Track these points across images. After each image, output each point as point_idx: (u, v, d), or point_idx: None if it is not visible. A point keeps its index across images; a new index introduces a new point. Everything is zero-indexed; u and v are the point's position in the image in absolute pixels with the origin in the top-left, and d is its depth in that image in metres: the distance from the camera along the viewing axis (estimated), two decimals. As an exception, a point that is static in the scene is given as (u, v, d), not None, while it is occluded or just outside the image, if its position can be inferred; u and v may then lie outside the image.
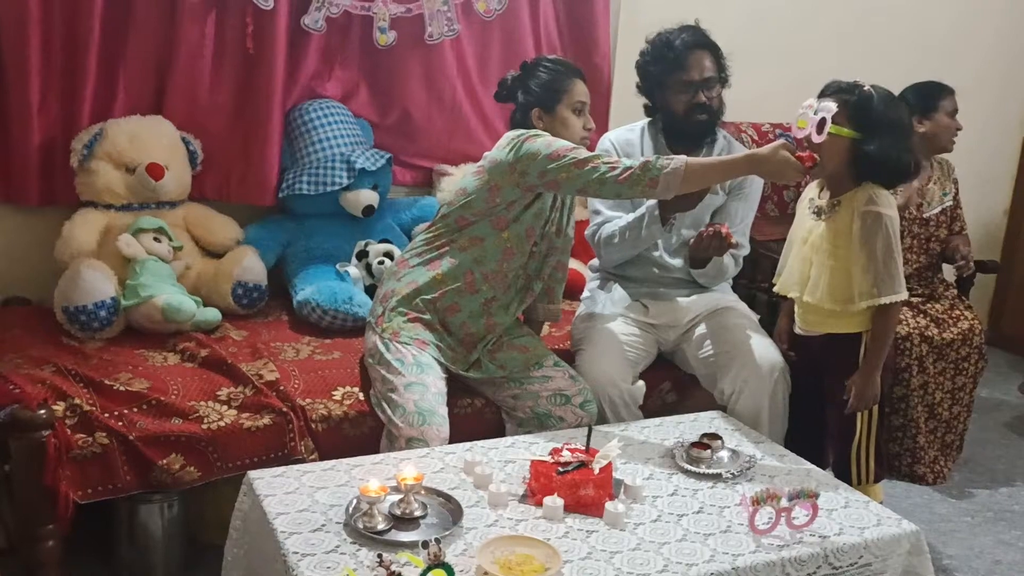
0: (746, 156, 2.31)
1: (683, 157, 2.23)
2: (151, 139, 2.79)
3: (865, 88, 2.27)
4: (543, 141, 2.31)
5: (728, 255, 2.66)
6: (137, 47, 2.84)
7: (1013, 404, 4.00)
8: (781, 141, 2.25)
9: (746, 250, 2.76)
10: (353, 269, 2.92)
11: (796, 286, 2.42)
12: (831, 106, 2.20)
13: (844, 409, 2.39)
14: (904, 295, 2.31)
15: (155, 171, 2.74)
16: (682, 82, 2.61)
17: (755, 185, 2.74)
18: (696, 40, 2.61)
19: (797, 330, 2.50)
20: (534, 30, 3.35)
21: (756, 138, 3.61)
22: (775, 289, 2.54)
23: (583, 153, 2.28)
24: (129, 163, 2.75)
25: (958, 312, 3.22)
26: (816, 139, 2.22)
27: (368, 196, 3.02)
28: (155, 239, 2.73)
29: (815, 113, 2.22)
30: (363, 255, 2.97)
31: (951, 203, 3.29)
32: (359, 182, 2.99)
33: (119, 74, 2.85)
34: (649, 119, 2.77)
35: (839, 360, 2.40)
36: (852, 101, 2.25)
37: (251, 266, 2.82)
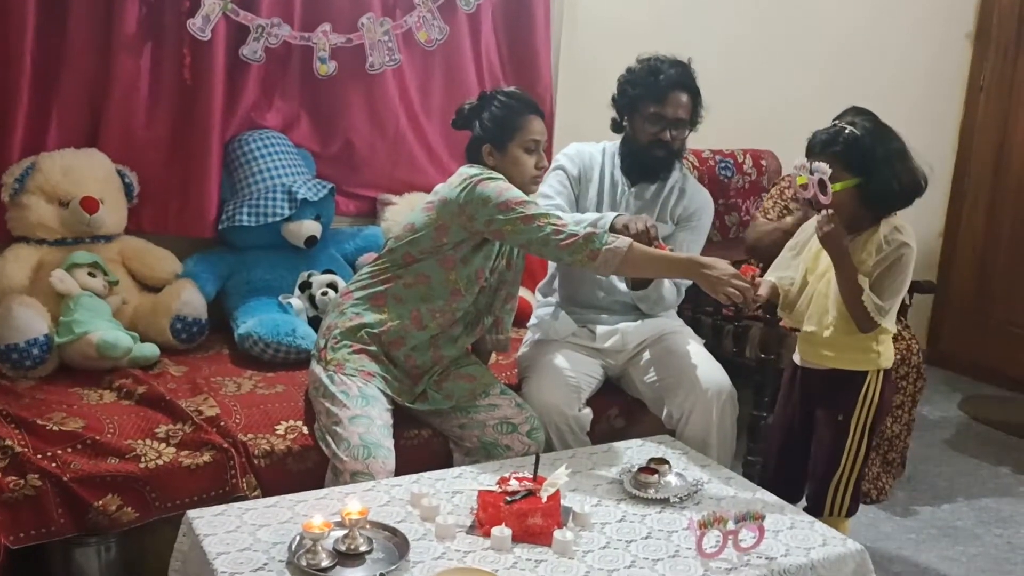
0: (689, 259, 2.32)
1: (628, 240, 2.24)
2: (85, 172, 2.73)
3: (847, 131, 2.21)
4: (495, 188, 2.28)
5: (670, 282, 2.68)
6: (71, 79, 2.80)
7: (953, 421, 4.09)
8: (728, 263, 2.25)
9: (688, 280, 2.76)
10: (296, 301, 2.89)
11: (813, 320, 2.35)
12: (824, 167, 2.17)
13: (831, 439, 2.37)
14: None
15: (90, 205, 2.69)
16: (654, 114, 2.62)
17: (704, 219, 2.76)
18: (681, 79, 2.61)
19: (801, 362, 2.43)
20: (476, 60, 3.37)
21: (697, 164, 3.65)
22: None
23: (532, 209, 2.26)
24: (63, 197, 2.69)
25: (896, 333, 3.27)
26: (824, 201, 2.19)
27: (310, 227, 2.99)
28: (90, 274, 2.66)
29: (811, 174, 2.19)
30: (306, 286, 2.93)
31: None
32: (301, 213, 2.96)
33: (52, 106, 2.79)
34: (614, 141, 2.78)
35: (839, 394, 2.36)
36: (840, 151, 2.20)
37: (190, 300, 2.77)
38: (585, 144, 2.80)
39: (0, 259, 2.66)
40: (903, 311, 3.53)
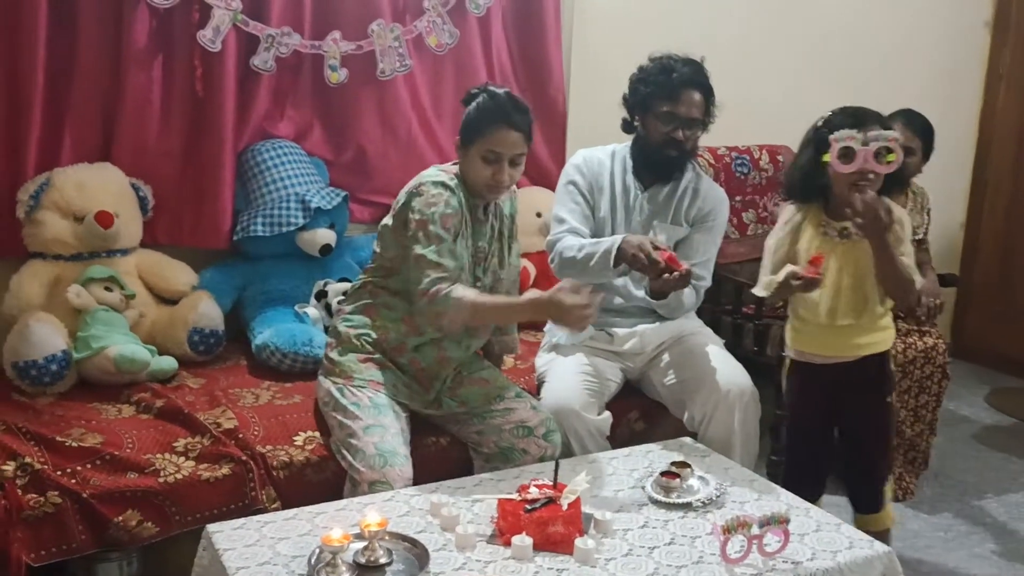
0: (530, 300, 2.24)
1: (473, 295, 2.21)
2: (99, 187, 2.74)
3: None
4: (421, 204, 2.25)
5: (689, 287, 2.63)
6: (83, 94, 2.80)
7: (980, 416, 4.03)
8: (559, 285, 2.21)
9: (707, 282, 2.72)
10: (312, 310, 2.88)
11: (848, 315, 2.32)
12: (895, 134, 2.22)
13: (884, 422, 2.40)
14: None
15: (104, 219, 2.69)
16: (667, 113, 2.58)
17: (720, 218, 2.72)
18: (695, 78, 2.58)
19: (823, 359, 2.39)
20: (487, 63, 3.36)
21: (712, 161, 3.62)
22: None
23: (430, 254, 2.21)
24: (77, 212, 2.70)
25: (923, 329, 3.23)
26: (883, 169, 2.21)
27: (325, 235, 2.99)
28: (106, 288, 2.67)
29: (865, 144, 2.19)
30: (322, 295, 2.93)
31: (921, 235, 3.31)
32: (315, 221, 2.96)
33: (65, 122, 2.80)
34: (623, 143, 2.74)
35: (880, 376, 2.38)
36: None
37: (207, 312, 2.77)
38: (594, 149, 2.75)
39: (17, 276, 2.67)
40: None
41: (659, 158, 2.64)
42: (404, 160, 3.27)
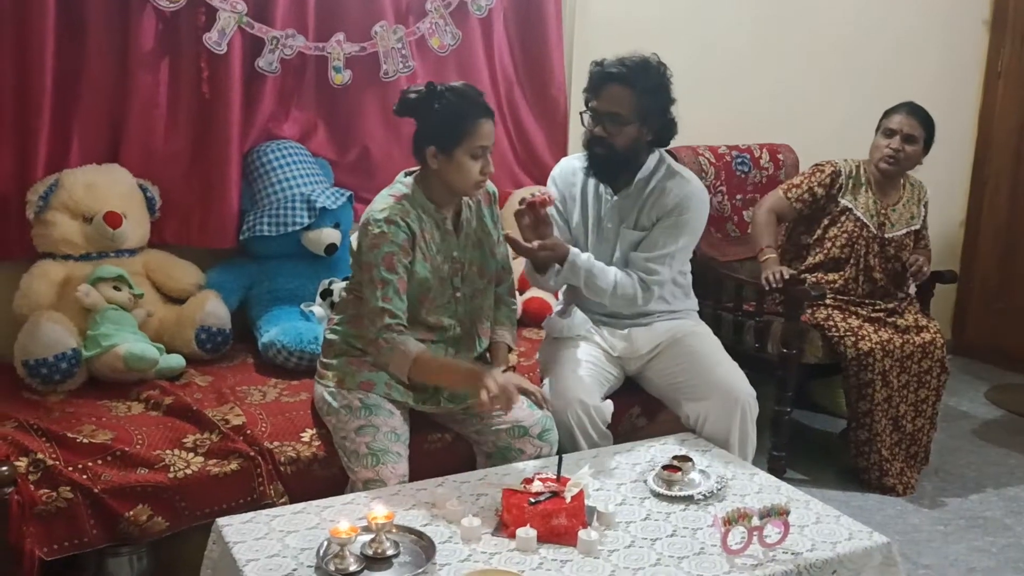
0: (468, 371, 2.27)
1: (416, 350, 2.22)
2: (108, 187, 2.77)
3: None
4: (365, 247, 2.26)
5: (623, 274, 2.54)
6: (91, 96, 2.83)
7: (980, 411, 4.06)
8: (502, 369, 2.35)
9: (660, 277, 2.55)
10: (318, 308, 2.91)
11: None
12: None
13: None
14: None
15: (113, 219, 2.72)
16: (591, 109, 2.52)
17: (687, 213, 2.55)
18: (618, 73, 2.46)
19: None
20: (489, 64, 3.39)
21: (713, 160, 3.65)
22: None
23: (376, 302, 2.22)
24: (86, 212, 2.73)
25: (921, 324, 3.26)
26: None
27: (330, 235, 3.02)
28: (115, 288, 2.70)
29: None
30: (327, 294, 2.95)
31: (918, 226, 3.35)
32: (321, 221, 2.99)
33: (73, 124, 2.83)
34: None
35: None
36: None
37: (214, 310, 2.80)
38: (572, 157, 2.73)
39: (27, 275, 2.70)
40: (925, 302, 3.52)
41: (590, 157, 2.58)
42: (408, 161, 3.26)
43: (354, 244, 2.47)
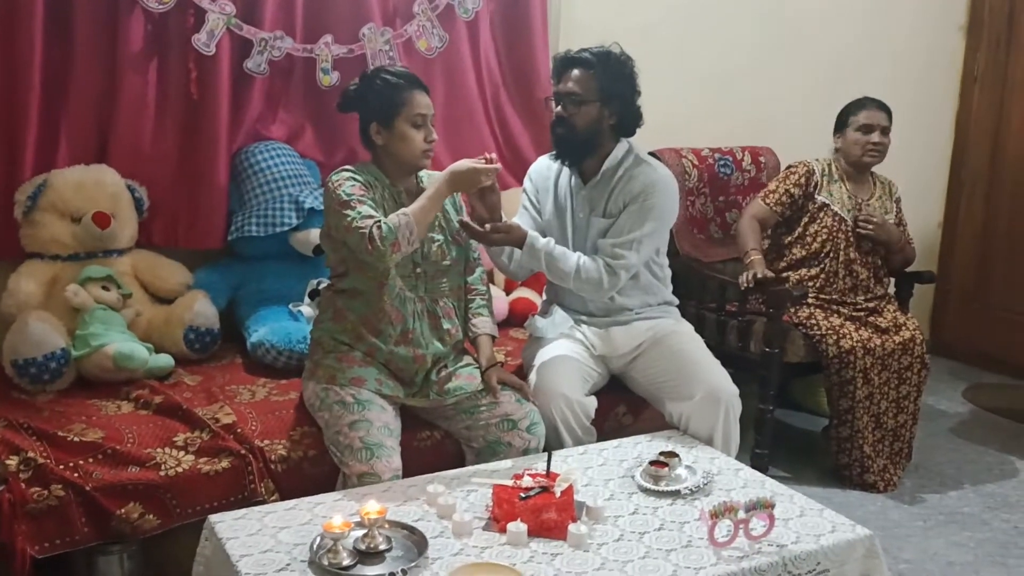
0: (442, 179, 2.33)
1: (408, 210, 2.27)
2: (96, 188, 2.77)
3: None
4: (329, 195, 2.31)
5: (588, 258, 2.56)
6: (79, 97, 2.84)
7: (958, 410, 4.12)
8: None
9: (627, 262, 2.55)
10: (306, 308, 2.92)
11: None
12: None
13: None
14: None
15: (101, 220, 2.73)
16: (555, 92, 2.63)
17: (652, 198, 2.57)
18: (573, 57, 2.58)
19: None
20: (475, 67, 3.42)
21: (696, 163, 3.70)
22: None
23: (355, 218, 2.24)
24: (75, 213, 2.73)
25: (900, 322, 3.31)
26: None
27: (318, 235, 3.03)
28: (103, 288, 2.71)
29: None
30: (315, 294, 2.96)
31: (894, 221, 3.41)
32: (308, 222, 3.00)
33: (61, 124, 2.83)
34: None
35: None
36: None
37: (202, 310, 2.81)
38: (550, 155, 2.77)
39: (15, 275, 2.70)
40: (904, 301, 3.58)
41: (553, 140, 2.65)
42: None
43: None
